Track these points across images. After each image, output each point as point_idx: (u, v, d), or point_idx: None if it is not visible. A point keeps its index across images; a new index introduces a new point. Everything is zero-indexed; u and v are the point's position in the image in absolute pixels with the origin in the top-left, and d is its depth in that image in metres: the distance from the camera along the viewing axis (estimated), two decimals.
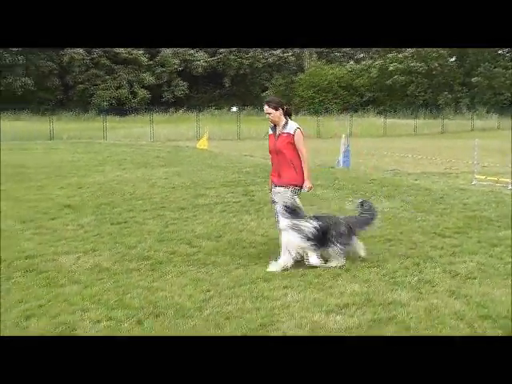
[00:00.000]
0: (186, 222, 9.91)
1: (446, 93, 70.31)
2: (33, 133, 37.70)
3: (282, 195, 7.44)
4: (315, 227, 7.24)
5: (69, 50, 67.97)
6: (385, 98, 71.72)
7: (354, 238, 7.52)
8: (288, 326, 5.20)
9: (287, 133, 7.67)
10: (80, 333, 5.10)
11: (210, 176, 16.72)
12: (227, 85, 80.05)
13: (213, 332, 5.09)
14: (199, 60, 76.03)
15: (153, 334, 5.07)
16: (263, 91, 76.70)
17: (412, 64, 70.25)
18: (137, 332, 5.10)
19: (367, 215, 7.75)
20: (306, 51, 79.59)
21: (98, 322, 5.36)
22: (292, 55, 79.20)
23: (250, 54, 77.53)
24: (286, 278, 6.64)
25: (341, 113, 59.63)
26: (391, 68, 70.73)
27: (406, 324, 5.26)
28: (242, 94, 78.77)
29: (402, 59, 71.16)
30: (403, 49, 70.81)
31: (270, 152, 7.94)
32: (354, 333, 5.07)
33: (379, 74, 72.62)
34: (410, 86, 71.11)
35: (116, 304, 5.83)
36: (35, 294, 6.18)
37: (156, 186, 14.75)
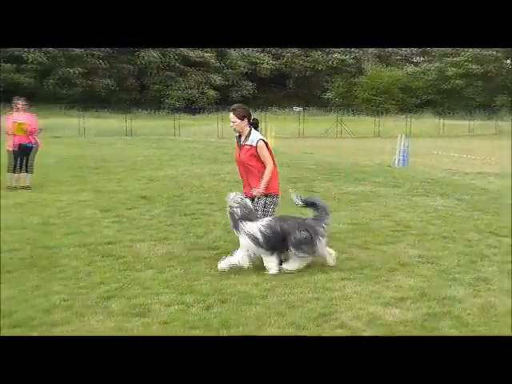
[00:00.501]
0: None
1: (502, 95, 68.57)
2: (112, 130, 38.50)
3: (233, 199, 6.84)
4: (270, 232, 6.60)
5: (143, 53, 68.99)
6: (442, 101, 70.38)
7: (320, 244, 6.70)
8: (346, 317, 5.17)
9: (249, 145, 7.10)
10: (152, 316, 5.20)
11: None
12: (291, 86, 79.86)
13: (274, 319, 5.11)
14: (266, 63, 76.06)
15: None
16: (323, 92, 76.23)
17: (469, 67, 68.79)
18: (204, 316, 5.16)
19: (321, 215, 6.93)
20: (366, 54, 78.79)
21: (170, 305, 5.44)
22: (352, 58, 78.36)
23: (312, 58, 77.13)
24: (343, 271, 6.59)
25: (397, 114, 58.79)
26: (450, 73, 69.43)
27: (463, 320, 5.14)
28: (305, 94, 78.31)
29: (460, 63, 69.75)
30: (460, 52, 69.40)
31: (236, 163, 7.46)
32: (409, 326, 5.00)
33: (437, 77, 71.38)
34: (466, 89, 69.65)
35: (186, 289, 5.91)
36: (114, 278, 6.34)
37: (223, 180, 14.86)
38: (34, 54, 64.30)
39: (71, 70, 65.36)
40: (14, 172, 13.36)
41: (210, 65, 73.71)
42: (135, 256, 7.25)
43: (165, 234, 8.46)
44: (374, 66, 76.91)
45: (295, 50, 75.63)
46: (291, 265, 6.69)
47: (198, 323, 4.94)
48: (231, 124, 7.26)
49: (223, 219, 9.49)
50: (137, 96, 70.85)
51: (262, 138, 7.15)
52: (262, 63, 75.88)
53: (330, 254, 6.85)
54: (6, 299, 5.63)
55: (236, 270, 6.57)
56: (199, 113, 61.96)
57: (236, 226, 6.75)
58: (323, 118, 51.79)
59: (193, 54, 72.03)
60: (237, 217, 6.73)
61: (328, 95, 74.81)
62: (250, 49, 74.64)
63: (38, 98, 53.42)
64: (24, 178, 13.38)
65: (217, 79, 73.25)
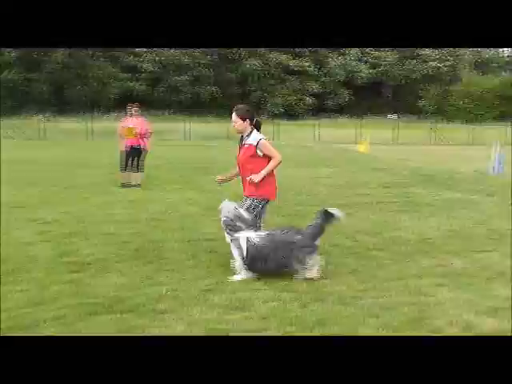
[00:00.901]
0: (347, 218, 9.78)
1: None
2: (215, 133, 39.20)
3: (225, 208, 6.51)
4: (257, 245, 6.18)
5: (246, 62, 69.87)
6: None
7: (309, 259, 6.19)
8: (441, 323, 4.97)
9: (249, 144, 6.69)
10: (252, 310, 5.21)
11: (369, 177, 16.51)
12: (386, 94, 78.62)
13: (368, 321, 4.99)
14: (362, 71, 75.22)
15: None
16: (418, 100, 74.47)
17: None
18: (300, 313, 5.12)
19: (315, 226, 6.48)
20: (462, 61, 76.48)
21: (268, 301, 5.42)
22: (447, 66, 76.13)
23: (408, 66, 75.57)
24: (438, 277, 6.34)
25: (493, 121, 56.66)
26: None
27: None
28: (400, 102, 76.84)
29: None
30: None
31: (237, 164, 7.01)
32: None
33: None
34: None
35: (283, 287, 5.88)
36: (215, 272, 6.40)
37: (320, 183, 14.78)
38: (148, 64, 66.48)
39: (179, 78, 67.07)
40: (125, 171, 13.86)
41: (308, 73, 73.72)
42: None
43: None
44: (470, 73, 74.54)
45: (392, 60, 74.40)
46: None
47: (295, 320, 4.91)
48: (232, 124, 6.85)
49: None
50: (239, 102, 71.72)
51: (262, 137, 6.73)
52: (359, 71, 75.09)
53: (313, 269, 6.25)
54: (118, 286, 5.84)
55: (330, 271, 6.49)
56: (297, 118, 62.12)
57: (227, 237, 6.44)
58: (417, 125, 50.70)
59: (292, 63, 72.35)
60: (228, 227, 6.41)
61: (423, 103, 73.06)
62: (348, 58, 74.13)
63: (149, 104, 55.18)
64: (136, 176, 13.83)
65: (314, 87, 73.15)
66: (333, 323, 4.86)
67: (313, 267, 6.22)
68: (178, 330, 4.66)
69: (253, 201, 6.70)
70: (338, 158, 23.74)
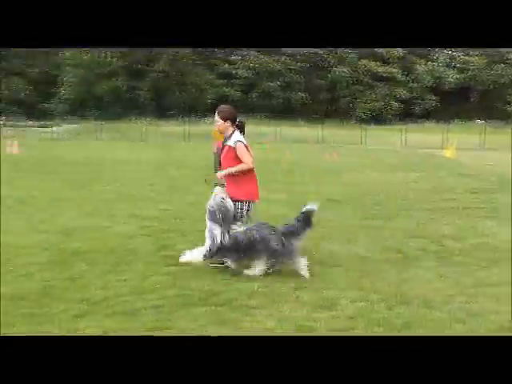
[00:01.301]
0: (433, 223, 9.55)
1: None
2: (305, 137, 39.18)
3: (213, 199, 6.41)
4: (236, 238, 6.15)
5: (335, 69, 69.49)
6: None
7: (289, 254, 6.18)
8: None
9: (228, 145, 6.54)
10: (339, 310, 5.15)
11: (456, 182, 15.99)
12: (474, 99, 75.87)
13: (455, 326, 4.82)
14: (450, 77, 72.95)
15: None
16: (506, 105, 71.35)
17: None
18: (387, 315, 5.01)
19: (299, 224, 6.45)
20: None
21: (355, 301, 5.34)
22: None
23: (495, 71, 72.60)
24: None
25: None
26: None
27: None
28: (487, 107, 73.95)
29: None
30: None
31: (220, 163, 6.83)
32: None
33: None
34: None
35: (370, 288, 5.77)
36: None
37: (407, 188, 14.45)
38: (242, 71, 67.33)
39: (272, 84, 67.48)
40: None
41: (396, 79, 72.37)
42: (324, 253, 7.24)
43: (351, 235, 8.36)
44: None
45: (480, 64, 71.80)
46: (252, 271, 6.17)
47: (382, 321, 4.81)
48: (215, 124, 6.74)
49: (408, 225, 9.24)
50: (328, 108, 71.35)
51: (241, 140, 6.52)
52: (447, 77, 72.89)
53: (302, 266, 6.20)
54: (213, 281, 5.92)
55: (415, 274, 6.33)
56: (384, 123, 61.15)
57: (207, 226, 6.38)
58: (505, 131, 48.63)
59: (381, 69, 71.33)
60: (212, 217, 6.30)
61: (511, 108, 70.02)
62: (435, 64, 72.19)
63: (243, 109, 55.78)
64: None
65: (402, 93, 71.72)
66: (418, 326, 4.74)
67: (299, 264, 6.18)
68: (269, 325, 4.67)
69: (239, 204, 6.55)
70: (424, 163, 23.15)
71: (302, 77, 69.98)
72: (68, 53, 63.14)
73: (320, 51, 68.98)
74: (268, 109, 65.34)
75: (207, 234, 6.34)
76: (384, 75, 71.77)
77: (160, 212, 9.99)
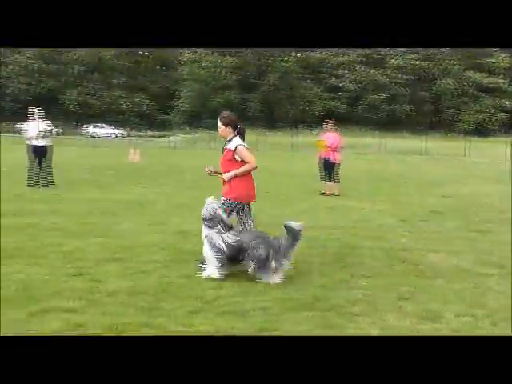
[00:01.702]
0: None
1: None
2: (410, 149, 38.18)
3: (207, 205, 6.25)
4: (229, 243, 6.04)
5: (440, 81, 67.25)
6: None
7: (277, 262, 6.03)
8: None
9: (229, 149, 6.48)
10: (443, 323, 4.94)
11: None
12: None
13: None
14: None
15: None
16: None
17: None
18: (493, 331, 4.74)
19: (291, 238, 6.20)
20: None
21: (459, 315, 5.09)
22: None
23: None
24: None
25: None
26: None
27: None
28: None
29: None
30: None
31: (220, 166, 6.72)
32: None
33: None
34: None
35: (475, 303, 5.50)
36: (408, 282, 6.16)
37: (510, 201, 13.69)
38: (349, 84, 66.77)
39: (377, 97, 66.44)
40: (323, 180, 14.07)
41: (502, 90, 68.99)
42: (427, 265, 6.99)
43: (454, 248, 8.02)
44: None
45: None
46: (273, 278, 6.00)
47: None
48: (218, 129, 6.66)
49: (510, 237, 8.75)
50: (432, 119, 69.26)
51: (241, 143, 6.47)
52: None
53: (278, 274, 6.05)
54: (319, 286, 5.88)
55: None
56: (488, 135, 58.43)
57: (203, 233, 6.25)
58: None
59: (487, 80, 68.30)
60: (206, 224, 6.21)
61: None
62: None
63: (348, 121, 55.35)
64: (332, 186, 13.94)
65: (508, 103, 68.24)
66: None
67: (276, 273, 6.04)
68: (372, 333, 4.57)
69: (227, 201, 6.48)
70: None
71: (406, 89, 68.37)
72: (187, 69, 65.44)
73: (424, 63, 67.18)
74: (373, 121, 64.38)
75: (205, 240, 6.22)
76: (489, 86, 68.64)
77: (269, 219, 10.05)
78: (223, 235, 6.13)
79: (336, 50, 68.61)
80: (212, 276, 6.09)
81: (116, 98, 67.57)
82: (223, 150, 6.73)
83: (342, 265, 6.84)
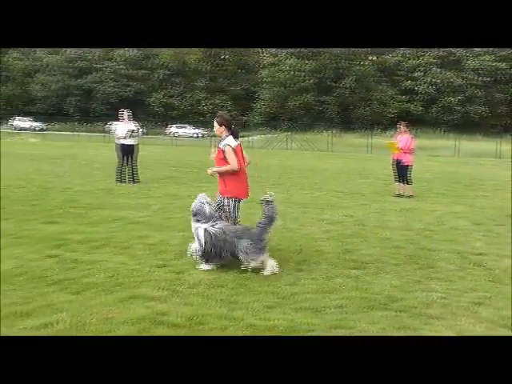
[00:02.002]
0: None
1: None
2: (484, 152, 36.71)
3: (196, 200, 6.46)
4: (212, 236, 6.18)
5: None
6: None
7: (260, 254, 6.10)
8: None
9: (220, 148, 6.67)
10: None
11: None
12: None
13: None
14: None
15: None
16: None
17: None
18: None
19: (266, 219, 6.27)
20: None
21: None
22: None
23: None
24: None
25: None
26: None
27: None
28: None
29: None
30: None
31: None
32: None
33: None
34: None
35: None
36: (483, 286, 5.91)
37: None
38: (423, 86, 64.94)
39: (452, 99, 64.35)
40: (397, 182, 13.75)
41: None
42: (503, 270, 6.66)
43: None
44: None
45: None
46: (266, 271, 6.10)
47: None
48: (214, 128, 6.85)
49: None
50: (507, 122, 66.33)
51: (230, 144, 6.62)
52: None
53: (268, 263, 6.16)
54: (393, 287, 5.76)
55: None
56: None
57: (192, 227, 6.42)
58: None
59: None
60: (193, 218, 6.39)
61: None
62: None
63: (422, 123, 53.92)
64: (406, 188, 13.60)
65: None
66: None
67: (264, 264, 6.13)
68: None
69: (222, 199, 6.67)
70: None
71: (482, 91, 65.77)
72: (267, 72, 65.74)
73: (501, 65, 64.43)
74: (447, 123, 62.41)
75: (194, 233, 6.41)
76: None
77: (344, 218, 9.95)
78: (209, 229, 6.26)
79: (412, 52, 67.03)
80: (205, 269, 6.21)
81: (198, 99, 68.86)
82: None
83: (415, 266, 6.65)
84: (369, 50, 66.27)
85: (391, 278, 6.08)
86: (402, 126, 13.89)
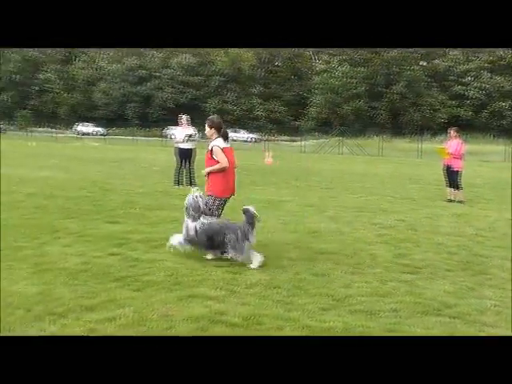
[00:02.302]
0: None
1: None
2: None
3: (187, 197, 6.77)
4: (198, 230, 6.54)
5: None
6: None
7: (244, 246, 6.40)
8: None
9: (208, 149, 7.00)
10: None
11: None
12: None
13: None
14: None
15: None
16: None
17: None
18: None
19: (248, 224, 6.49)
20: None
21: None
22: None
23: None
24: None
25: None
26: None
27: None
28: None
29: None
30: None
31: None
32: None
33: None
34: None
35: None
36: None
37: None
38: (474, 91, 63.18)
39: (503, 104, 62.32)
40: (448, 187, 13.43)
41: None
42: None
43: None
44: None
45: None
46: (253, 265, 6.35)
47: None
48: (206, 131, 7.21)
49: None
50: None
51: (218, 145, 6.96)
52: None
53: (255, 257, 6.41)
54: (446, 293, 5.60)
55: None
56: None
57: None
58: None
59: None
60: (187, 213, 6.72)
61: None
62: None
63: (472, 128, 52.44)
64: (457, 193, 13.25)
65: None
66: None
67: (249, 257, 6.38)
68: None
69: (208, 197, 6.96)
70: None
71: None
72: (319, 78, 65.40)
73: None
74: (497, 128, 60.42)
75: (183, 225, 6.75)
76: None
77: (396, 222, 9.76)
78: (195, 223, 6.59)
79: (462, 57, 65.36)
80: (172, 246, 6.73)
81: (252, 105, 69.20)
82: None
83: (468, 273, 6.45)
84: (419, 54, 65.03)
85: (444, 284, 5.91)
86: (452, 132, 13.56)
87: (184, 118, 14.55)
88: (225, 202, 7.11)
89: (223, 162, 6.90)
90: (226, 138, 7.15)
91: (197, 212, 6.65)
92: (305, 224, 9.24)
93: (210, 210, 6.89)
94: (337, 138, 45.00)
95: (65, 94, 73.24)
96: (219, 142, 7.00)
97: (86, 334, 4.21)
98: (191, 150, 14.57)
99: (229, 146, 7.13)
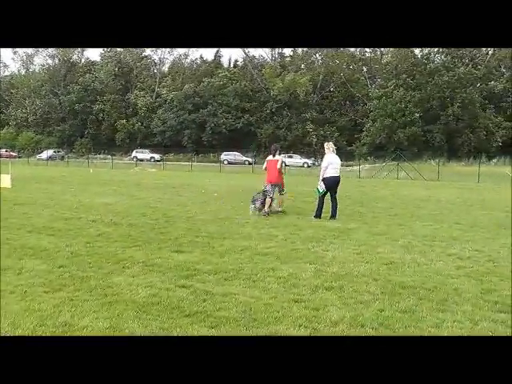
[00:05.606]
0: None
1: None
2: None
3: (255, 192, 14.35)
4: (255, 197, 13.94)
5: None
6: None
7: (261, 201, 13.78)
8: None
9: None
10: None
11: None
12: None
13: None
14: None
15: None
16: None
17: None
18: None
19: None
20: None
21: None
22: None
23: None
24: None
25: None
26: None
27: None
28: None
29: None
30: None
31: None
32: None
33: None
34: None
35: None
36: None
37: None
38: None
39: None
40: None
41: None
42: None
43: None
44: None
45: None
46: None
47: None
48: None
49: None
50: None
51: (267, 159, 14.45)
52: None
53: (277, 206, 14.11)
54: None
55: None
56: None
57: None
58: None
59: None
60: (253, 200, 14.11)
61: None
62: None
63: None
64: None
65: None
66: None
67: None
68: None
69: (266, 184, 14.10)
70: None
71: None
72: (375, 102, 64.53)
73: None
74: None
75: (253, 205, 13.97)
76: None
77: (473, 253, 9.12)
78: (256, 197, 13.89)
79: None
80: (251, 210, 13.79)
81: (307, 131, 69.16)
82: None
83: None
84: (473, 76, 63.43)
85: None
86: None
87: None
88: (272, 186, 13.78)
89: (264, 166, 14.13)
90: (273, 154, 13.99)
91: (258, 193, 13.95)
92: (378, 254, 8.75)
93: (268, 191, 13.70)
94: (393, 163, 44.06)
95: (123, 121, 75.41)
96: (268, 157, 14.03)
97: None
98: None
99: (274, 158, 13.94)
